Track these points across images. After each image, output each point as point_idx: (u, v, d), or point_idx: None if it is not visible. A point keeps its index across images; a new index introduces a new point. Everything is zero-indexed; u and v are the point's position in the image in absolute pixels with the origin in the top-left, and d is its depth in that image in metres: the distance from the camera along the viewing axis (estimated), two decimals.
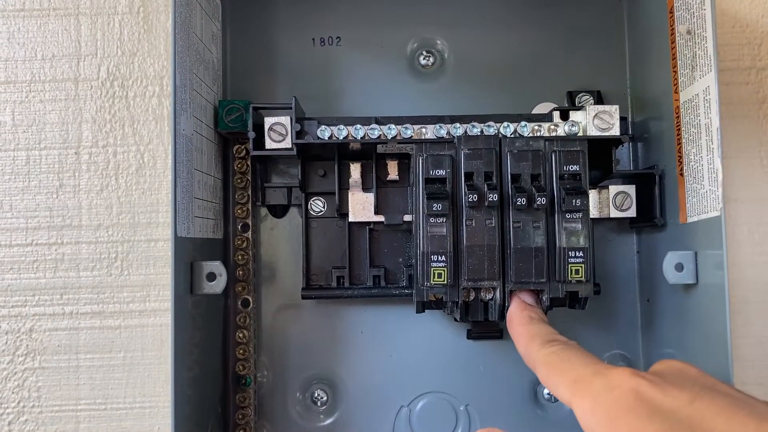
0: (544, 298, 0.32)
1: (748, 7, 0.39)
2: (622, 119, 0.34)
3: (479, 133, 0.33)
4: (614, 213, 0.36)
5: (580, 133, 0.34)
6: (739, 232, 0.38)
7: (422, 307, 0.33)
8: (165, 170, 0.38)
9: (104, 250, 0.38)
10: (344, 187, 0.36)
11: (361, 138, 0.34)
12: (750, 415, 0.22)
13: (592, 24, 0.39)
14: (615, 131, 0.34)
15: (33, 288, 0.38)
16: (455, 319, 0.34)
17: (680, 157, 0.33)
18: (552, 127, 0.34)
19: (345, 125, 0.34)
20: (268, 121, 0.34)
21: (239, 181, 0.37)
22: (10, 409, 0.38)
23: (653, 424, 0.23)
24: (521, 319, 0.31)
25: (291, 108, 0.34)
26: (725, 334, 0.29)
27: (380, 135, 0.34)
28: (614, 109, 0.34)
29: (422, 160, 0.33)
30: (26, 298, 0.38)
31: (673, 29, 0.33)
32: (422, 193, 0.33)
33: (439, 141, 0.33)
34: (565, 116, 0.34)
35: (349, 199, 0.36)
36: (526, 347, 0.30)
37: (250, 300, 0.37)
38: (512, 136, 0.33)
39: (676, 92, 0.33)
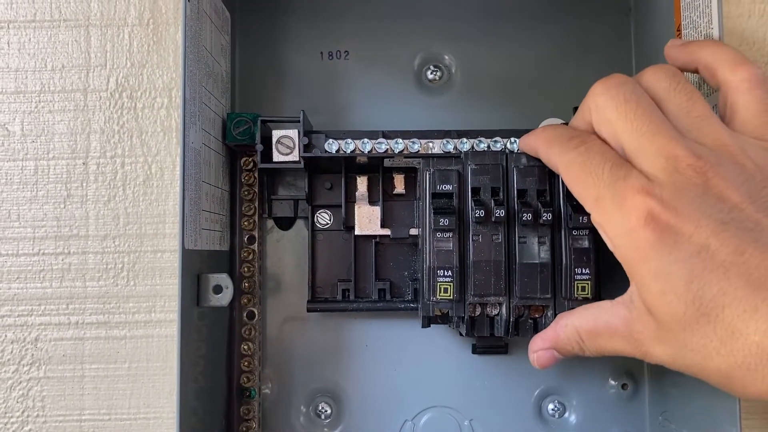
0: (549, 314, 0.33)
1: (755, 25, 0.39)
2: None
3: (486, 149, 0.33)
4: None
5: None
6: None
7: (428, 321, 0.33)
8: (172, 181, 0.39)
9: (111, 261, 0.38)
10: (351, 200, 0.36)
11: (368, 152, 0.34)
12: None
13: (599, 40, 0.39)
14: None
15: (39, 297, 0.38)
16: (460, 334, 0.34)
17: None
18: None
19: (352, 139, 0.34)
20: (276, 134, 0.34)
21: (246, 193, 0.37)
22: (15, 419, 0.38)
23: (663, 251, 0.24)
24: (536, 132, 0.32)
25: (299, 121, 0.34)
26: None
27: (387, 149, 0.34)
28: None
29: (429, 174, 0.33)
30: (32, 308, 0.38)
31: None
32: (429, 207, 0.33)
33: (446, 156, 0.34)
34: None
35: (356, 212, 0.36)
36: (546, 156, 0.30)
37: (256, 312, 0.37)
38: (518, 152, 0.33)
39: None
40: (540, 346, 0.31)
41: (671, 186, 0.25)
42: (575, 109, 0.38)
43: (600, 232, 0.28)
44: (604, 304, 0.28)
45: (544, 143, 0.30)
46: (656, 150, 0.26)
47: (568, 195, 0.32)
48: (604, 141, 0.28)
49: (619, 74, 0.29)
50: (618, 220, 0.26)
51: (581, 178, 0.27)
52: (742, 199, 0.25)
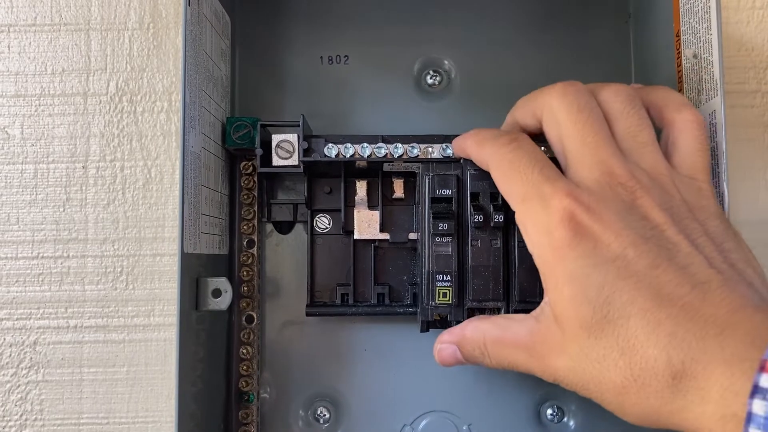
0: None
1: (754, 31, 0.39)
2: None
3: None
4: None
5: None
6: None
7: (427, 326, 0.33)
8: (172, 185, 0.39)
9: (110, 264, 0.38)
10: (350, 204, 0.36)
11: (367, 156, 0.34)
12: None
13: (599, 46, 0.39)
14: None
15: (38, 301, 0.38)
16: None
17: None
18: None
19: (352, 143, 0.34)
20: (276, 138, 0.34)
21: (246, 197, 0.37)
22: (13, 422, 0.38)
23: (582, 254, 0.25)
24: (467, 133, 0.32)
25: (299, 126, 0.34)
26: None
27: (387, 154, 0.34)
28: None
29: (428, 179, 0.33)
30: (31, 311, 0.38)
31: (679, 53, 0.33)
32: (428, 212, 0.33)
33: (445, 160, 0.34)
34: None
35: (355, 216, 0.36)
36: (477, 155, 0.31)
37: (255, 316, 0.37)
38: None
39: None
40: (446, 340, 0.31)
41: (599, 195, 0.26)
42: None
43: (522, 232, 0.28)
44: (518, 316, 0.29)
45: (475, 143, 0.31)
46: (596, 162, 0.27)
47: None
48: (545, 140, 0.29)
49: (578, 83, 0.30)
50: (541, 219, 0.26)
51: (509, 176, 0.28)
52: (665, 221, 0.25)
